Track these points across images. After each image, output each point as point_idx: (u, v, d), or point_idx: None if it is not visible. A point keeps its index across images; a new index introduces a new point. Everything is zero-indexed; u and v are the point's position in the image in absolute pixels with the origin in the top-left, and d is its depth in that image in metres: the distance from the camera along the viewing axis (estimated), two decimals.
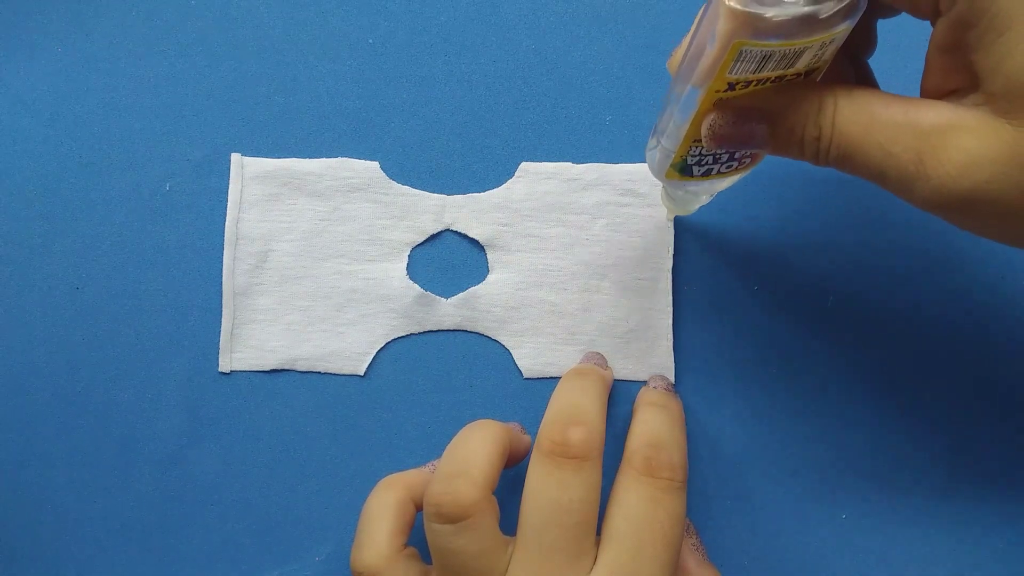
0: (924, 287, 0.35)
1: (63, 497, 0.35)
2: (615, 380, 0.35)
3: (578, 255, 0.36)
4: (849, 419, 0.35)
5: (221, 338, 0.36)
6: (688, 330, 0.36)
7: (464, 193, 0.37)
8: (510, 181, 0.37)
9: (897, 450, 0.35)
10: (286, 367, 0.36)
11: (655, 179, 0.36)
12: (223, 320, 0.36)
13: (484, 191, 0.37)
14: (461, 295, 0.36)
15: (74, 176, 0.37)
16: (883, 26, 0.27)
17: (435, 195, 0.37)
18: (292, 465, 0.36)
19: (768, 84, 0.24)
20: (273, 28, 0.38)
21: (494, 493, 0.28)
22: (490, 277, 0.36)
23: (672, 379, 0.35)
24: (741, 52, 0.22)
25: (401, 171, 0.37)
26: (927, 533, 0.34)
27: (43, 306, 0.36)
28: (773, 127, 0.24)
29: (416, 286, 0.36)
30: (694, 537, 0.33)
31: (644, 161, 0.36)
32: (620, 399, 0.35)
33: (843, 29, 0.22)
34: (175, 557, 0.35)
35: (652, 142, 0.28)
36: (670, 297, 0.36)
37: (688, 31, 0.25)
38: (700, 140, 0.25)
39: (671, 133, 0.26)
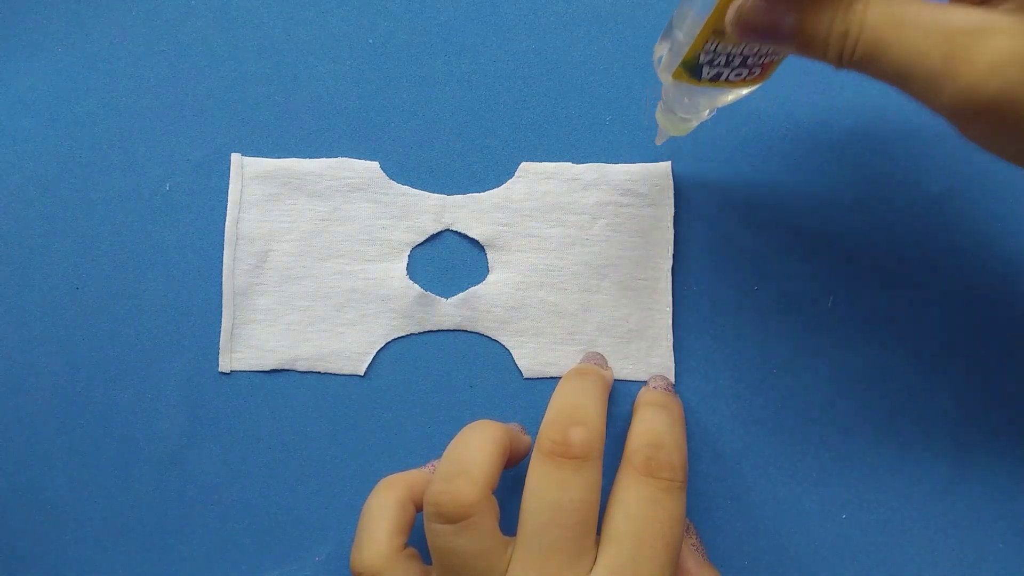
0: (924, 287, 0.35)
1: (63, 497, 0.35)
2: (615, 380, 0.35)
3: (578, 255, 0.36)
4: (849, 419, 0.35)
5: (221, 338, 0.36)
6: (688, 330, 0.36)
7: (464, 193, 0.37)
8: (510, 181, 0.37)
9: (897, 450, 0.35)
10: (286, 367, 0.36)
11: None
12: (223, 320, 0.36)
13: (484, 191, 0.37)
14: (461, 295, 0.36)
15: (74, 176, 0.37)
16: None
17: (435, 195, 0.37)
18: (292, 465, 0.36)
19: None
20: (273, 28, 0.38)
21: (494, 493, 0.28)
22: (490, 277, 0.36)
23: (672, 379, 0.35)
24: None
25: (401, 171, 0.37)
26: (927, 533, 0.34)
27: (43, 306, 0.36)
28: (801, 19, 0.24)
29: (416, 286, 0.36)
30: (694, 537, 0.33)
31: (644, 161, 0.36)
32: (620, 399, 0.35)
33: None
34: (175, 557, 0.35)
35: (662, 43, 0.28)
36: (670, 297, 0.36)
37: None
38: (717, 34, 0.25)
39: (688, 25, 0.26)
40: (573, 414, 0.29)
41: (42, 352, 0.36)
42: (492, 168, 0.37)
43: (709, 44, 0.26)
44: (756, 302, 0.36)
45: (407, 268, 0.36)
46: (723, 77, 0.27)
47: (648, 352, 0.36)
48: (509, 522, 0.28)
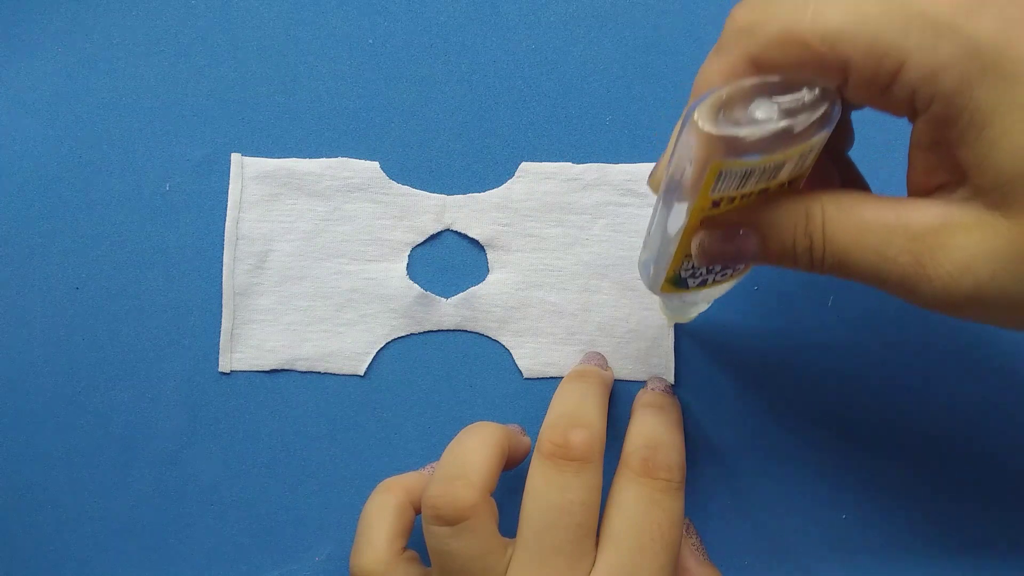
0: None
1: (63, 497, 0.35)
2: (615, 380, 0.35)
3: (578, 255, 0.36)
4: (849, 419, 0.35)
5: (221, 338, 0.36)
6: (688, 330, 0.36)
7: (464, 193, 0.37)
8: (510, 181, 0.37)
9: (897, 450, 0.35)
10: (286, 367, 0.36)
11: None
12: (223, 320, 0.36)
13: (484, 191, 0.37)
14: (461, 295, 0.36)
15: (74, 176, 0.37)
16: (858, 116, 0.27)
17: (435, 195, 0.37)
18: (292, 465, 0.36)
19: (753, 197, 0.24)
20: (273, 28, 0.38)
21: (493, 495, 0.28)
22: (490, 277, 0.36)
23: (672, 379, 0.35)
24: (721, 172, 0.21)
25: (401, 171, 0.37)
26: (927, 534, 0.34)
27: (43, 306, 0.36)
28: (763, 241, 0.24)
29: (416, 286, 0.36)
30: (694, 537, 0.33)
31: (644, 161, 0.36)
32: (620, 399, 0.35)
33: (820, 138, 0.21)
34: (175, 557, 0.35)
35: (644, 253, 0.28)
36: None
37: (665, 149, 0.25)
38: (690, 257, 0.25)
39: (662, 249, 0.26)
40: (573, 416, 0.29)
41: (42, 352, 0.36)
42: (492, 168, 0.37)
43: (686, 263, 0.26)
44: (756, 302, 0.36)
45: (407, 268, 0.36)
46: (709, 281, 0.27)
47: (648, 352, 0.36)
48: (509, 524, 0.28)
